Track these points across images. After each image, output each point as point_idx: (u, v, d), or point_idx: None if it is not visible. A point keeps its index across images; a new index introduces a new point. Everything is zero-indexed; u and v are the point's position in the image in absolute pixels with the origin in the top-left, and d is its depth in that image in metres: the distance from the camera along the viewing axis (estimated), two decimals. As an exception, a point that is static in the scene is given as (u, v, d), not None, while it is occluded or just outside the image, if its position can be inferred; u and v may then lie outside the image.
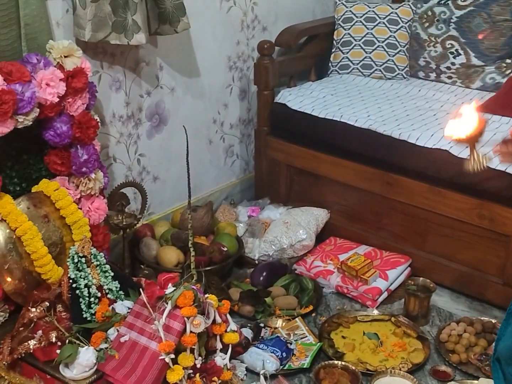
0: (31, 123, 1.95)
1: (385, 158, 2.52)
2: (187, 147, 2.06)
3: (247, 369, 2.02)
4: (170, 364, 1.73)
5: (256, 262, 2.61)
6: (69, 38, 2.18)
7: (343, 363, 2.03)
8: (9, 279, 1.94)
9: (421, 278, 2.37)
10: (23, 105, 1.90)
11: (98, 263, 1.98)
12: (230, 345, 1.90)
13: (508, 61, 2.83)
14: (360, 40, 3.04)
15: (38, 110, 1.96)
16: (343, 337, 2.22)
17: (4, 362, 1.84)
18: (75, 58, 2.08)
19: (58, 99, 2.00)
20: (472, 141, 1.68)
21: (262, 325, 2.22)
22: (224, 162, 3.06)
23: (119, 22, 2.23)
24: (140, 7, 2.23)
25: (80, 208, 2.14)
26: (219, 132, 2.98)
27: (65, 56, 2.05)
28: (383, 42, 3.02)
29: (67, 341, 1.82)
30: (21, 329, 1.88)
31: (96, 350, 1.80)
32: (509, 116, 2.53)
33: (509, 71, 2.82)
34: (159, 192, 2.74)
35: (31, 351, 1.82)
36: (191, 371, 1.77)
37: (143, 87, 2.58)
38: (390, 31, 3.02)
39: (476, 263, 2.40)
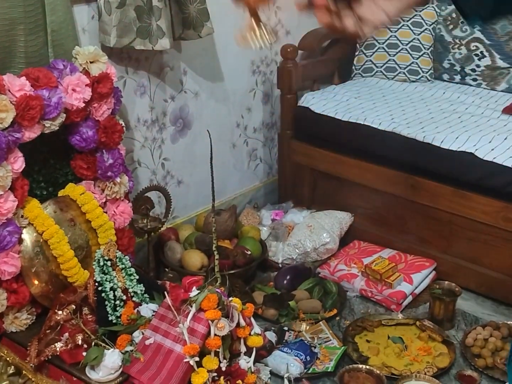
0: (57, 128, 1.98)
1: (409, 161, 2.51)
2: (211, 151, 2.07)
3: (271, 372, 2.01)
4: (195, 367, 1.73)
5: (280, 265, 2.61)
6: (95, 44, 2.21)
7: (367, 367, 2.02)
8: (36, 282, 1.97)
9: (446, 282, 2.35)
10: (50, 110, 1.92)
11: (123, 266, 2.00)
12: (254, 349, 1.90)
13: (534, 63, 2.81)
14: (383, 43, 3.03)
15: (64, 115, 1.98)
16: (367, 341, 2.21)
17: (31, 364, 1.86)
18: (101, 63, 2.10)
19: (84, 104, 2.02)
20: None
21: (286, 328, 2.21)
22: (248, 165, 3.07)
23: (144, 28, 2.25)
24: (165, 13, 2.26)
25: (106, 212, 2.16)
26: (243, 136, 2.99)
27: (90, 62, 2.07)
28: (407, 44, 3.01)
29: (93, 343, 1.83)
30: (47, 331, 1.89)
31: (122, 353, 1.81)
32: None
33: (536, 72, 2.80)
34: (183, 196, 2.76)
35: (58, 353, 1.84)
36: (215, 374, 1.77)
37: (167, 92, 2.60)
38: (414, 33, 3.01)
39: (502, 266, 2.37)
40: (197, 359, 1.74)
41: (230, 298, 1.87)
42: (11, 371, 1.96)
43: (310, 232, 2.64)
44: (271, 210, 2.91)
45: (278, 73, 2.90)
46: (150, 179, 2.62)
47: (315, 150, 2.83)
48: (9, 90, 1.85)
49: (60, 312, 1.91)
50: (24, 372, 1.92)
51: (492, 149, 2.31)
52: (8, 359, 1.97)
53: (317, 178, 2.91)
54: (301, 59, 3.04)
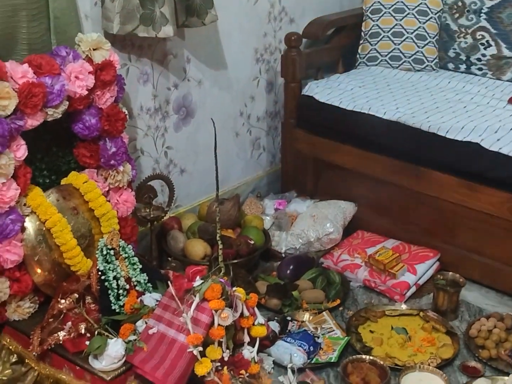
0: (60, 116, 1.97)
1: (414, 151, 2.50)
2: (215, 140, 2.05)
3: (274, 362, 2.02)
4: (198, 356, 1.73)
5: (283, 255, 2.60)
6: (98, 31, 2.19)
7: (371, 357, 2.01)
8: (39, 270, 1.96)
9: (450, 273, 2.34)
10: (53, 98, 1.91)
11: (126, 255, 1.99)
12: (258, 339, 1.89)
13: (541, 52, 2.79)
14: (388, 31, 3.01)
15: (67, 103, 1.97)
16: (370, 331, 2.20)
17: (34, 353, 1.86)
18: (104, 51, 2.08)
19: (87, 92, 2.01)
20: None
21: (289, 318, 2.21)
22: (251, 154, 3.06)
23: (147, 15, 2.23)
24: (168, 0, 2.23)
25: (109, 201, 2.15)
26: (246, 124, 2.98)
27: (93, 49, 2.06)
28: (412, 33, 2.98)
29: (96, 332, 1.83)
30: (50, 320, 1.89)
31: (125, 342, 1.81)
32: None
33: (542, 62, 2.78)
34: (186, 184, 2.75)
35: (61, 342, 1.84)
36: (218, 364, 1.77)
37: (171, 80, 2.58)
38: (419, 22, 2.98)
39: (506, 257, 2.36)
40: (200, 349, 1.73)
41: (234, 288, 1.87)
42: (13, 360, 1.97)
43: (313, 222, 2.63)
44: (274, 200, 2.90)
45: (282, 61, 2.87)
46: (153, 167, 2.61)
47: (319, 139, 2.81)
48: (11, 77, 1.84)
49: (63, 301, 1.91)
50: (27, 360, 1.93)
51: (498, 140, 2.29)
52: (10, 347, 1.98)
53: (321, 168, 2.89)
54: (305, 47, 3.02)
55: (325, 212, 2.69)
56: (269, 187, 3.12)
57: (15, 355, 1.96)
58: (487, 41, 2.86)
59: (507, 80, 2.83)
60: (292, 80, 2.87)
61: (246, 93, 2.93)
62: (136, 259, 2.00)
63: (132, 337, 1.83)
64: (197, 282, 1.80)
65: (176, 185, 2.58)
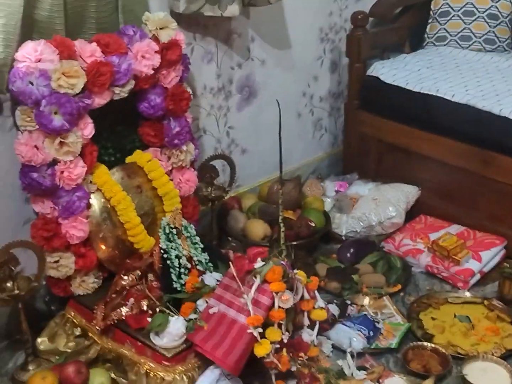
0: (126, 95, 1.99)
1: (483, 135, 2.43)
2: (280, 121, 2.04)
3: (333, 346, 2.02)
4: (258, 338, 1.74)
5: (343, 238, 2.59)
6: (164, 10, 2.20)
7: (433, 345, 1.99)
8: (103, 247, 2.01)
9: (516, 261, 2.29)
10: (120, 77, 1.93)
11: (188, 234, 2.02)
12: (317, 322, 1.89)
13: None
14: (459, 10, 2.92)
15: (133, 82, 1.99)
16: (432, 318, 2.17)
17: (97, 327, 1.91)
18: (170, 30, 2.09)
19: (153, 71, 2.02)
20: None
21: (348, 302, 2.20)
22: (313, 135, 3.04)
23: (212, -6, 2.23)
24: (234, -22, 2.23)
25: (172, 180, 2.17)
26: (308, 105, 2.96)
27: (160, 28, 2.07)
28: (483, 12, 2.89)
29: (158, 310, 1.87)
30: (113, 296, 1.93)
31: (186, 320, 1.84)
32: None
33: None
34: (247, 165, 2.75)
35: (123, 318, 1.88)
36: (278, 346, 1.77)
37: (234, 59, 2.58)
38: (492, 0, 2.88)
39: None
40: (260, 330, 1.74)
41: (295, 271, 1.87)
42: (77, 333, 2.02)
43: (375, 205, 2.60)
44: (335, 182, 2.89)
45: (347, 41, 2.84)
46: (215, 147, 2.62)
47: (383, 121, 2.77)
48: (80, 56, 1.87)
49: (126, 277, 1.95)
50: (90, 334, 1.98)
51: None
52: (75, 321, 2.03)
53: (384, 150, 2.85)
54: (372, 27, 2.96)
55: (387, 195, 2.66)
56: (330, 169, 3.10)
57: (79, 329, 2.02)
58: None
59: None
60: (357, 60, 2.83)
61: (310, 73, 2.91)
62: (198, 238, 2.03)
63: (192, 316, 1.86)
64: (259, 263, 1.80)
65: (237, 165, 2.59)
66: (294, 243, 2.35)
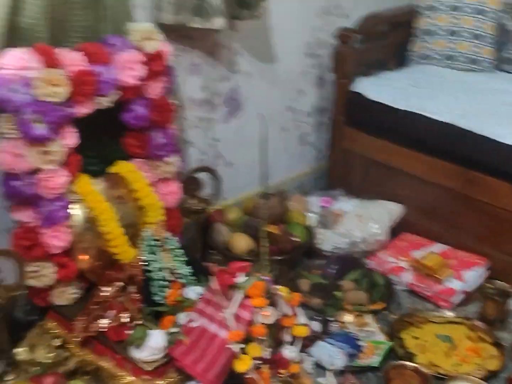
0: (111, 105, 1.98)
1: (467, 154, 2.45)
2: (264, 135, 2.04)
3: (314, 363, 2.00)
4: (239, 353, 1.73)
5: (327, 254, 2.58)
6: (149, 21, 2.20)
7: (414, 365, 1.98)
8: (84, 257, 1.98)
9: (499, 282, 2.29)
10: (104, 86, 1.93)
11: (171, 247, 2.00)
12: (299, 338, 1.88)
13: None
14: (444, 29, 2.95)
15: (118, 92, 1.98)
16: (414, 337, 2.16)
17: (77, 339, 1.89)
18: (156, 41, 2.08)
19: (137, 82, 2.02)
20: None
21: (331, 319, 2.19)
22: (297, 150, 3.04)
23: (199, 6, 2.23)
24: (221, -8, 2.23)
25: (156, 191, 2.16)
26: (294, 119, 2.97)
27: (145, 39, 2.06)
28: (468, 32, 2.92)
29: (138, 323, 1.85)
30: (94, 307, 1.91)
31: (166, 334, 1.82)
32: None
33: None
34: (232, 177, 2.73)
35: (104, 330, 1.86)
36: (259, 361, 1.76)
37: (220, 72, 2.58)
38: (477, 20, 2.91)
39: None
40: (242, 345, 1.73)
41: (277, 287, 1.86)
42: (57, 344, 1.99)
43: (359, 222, 2.60)
44: (320, 197, 2.88)
45: (333, 56, 2.85)
46: (200, 159, 2.61)
47: (368, 138, 2.79)
48: (64, 65, 1.86)
49: (107, 288, 1.93)
50: (69, 345, 1.95)
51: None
52: (55, 331, 2.00)
53: (368, 167, 2.86)
54: (357, 43, 2.97)
55: (371, 212, 2.66)
56: (315, 184, 3.11)
57: (59, 340, 1.99)
58: (547, 42, 2.79)
59: None
60: (342, 76, 2.84)
61: (295, 87, 2.92)
62: (181, 251, 2.01)
63: (173, 330, 1.84)
64: (241, 278, 1.79)
65: (222, 177, 2.58)
66: (278, 257, 2.35)
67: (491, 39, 2.91)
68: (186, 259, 2.01)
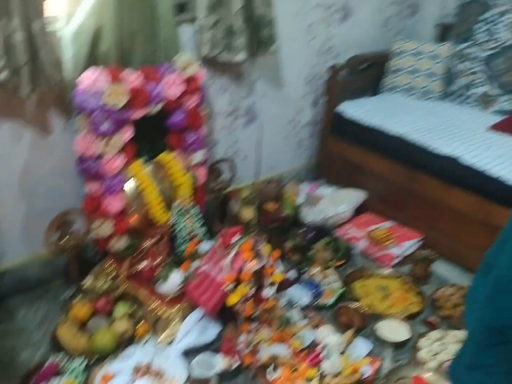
0: (157, 112, 1.96)
1: (412, 159, 2.36)
2: (260, 137, 2.00)
3: (288, 300, 1.98)
4: (231, 291, 1.71)
5: (308, 225, 2.53)
6: (193, 53, 2.17)
7: (357, 305, 1.94)
8: (133, 217, 1.98)
9: (427, 250, 2.22)
10: (153, 98, 1.91)
11: (193, 214, 1.98)
12: (277, 282, 1.85)
13: (520, 93, 2.56)
14: (408, 68, 2.83)
15: (163, 103, 1.96)
16: (361, 286, 2.12)
17: (125, 274, 1.90)
18: (193, 67, 2.05)
19: (178, 96, 1.99)
20: None
21: (305, 270, 2.16)
22: (296, 151, 2.97)
23: (228, 44, 2.18)
24: (244, 34, 2.17)
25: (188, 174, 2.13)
26: (294, 129, 2.89)
27: (186, 66, 2.03)
28: (425, 71, 2.80)
29: (164, 266, 1.85)
30: (137, 253, 1.92)
31: (184, 274, 1.81)
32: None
33: (521, 101, 2.55)
34: (248, 167, 2.68)
35: (142, 269, 1.86)
36: (245, 298, 1.74)
37: (243, 92, 2.53)
38: (431, 63, 2.79)
39: (471, 243, 2.21)
40: (233, 285, 1.71)
41: (262, 244, 1.82)
42: (111, 276, 2.01)
43: (332, 204, 2.54)
44: (309, 184, 2.83)
45: (325, 85, 2.76)
46: (224, 153, 2.58)
47: (345, 144, 2.71)
48: (126, 82, 1.84)
49: (147, 241, 1.93)
50: (119, 278, 1.96)
51: (474, 156, 2.13)
52: (110, 268, 2.02)
53: (345, 164, 2.78)
54: (345, 76, 2.88)
55: (342, 196, 2.60)
56: (307, 175, 3.03)
57: (113, 274, 2.00)
58: (481, 81, 2.65)
59: (492, 112, 2.62)
60: (330, 100, 2.76)
61: (297, 107, 2.84)
62: (199, 216, 1.99)
63: (188, 272, 1.83)
64: (236, 238, 1.77)
65: (240, 166, 2.55)
66: (271, 226, 2.32)
67: (441, 76, 2.78)
68: (203, 222, 1.98)
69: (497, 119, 2.50)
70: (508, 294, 0.88)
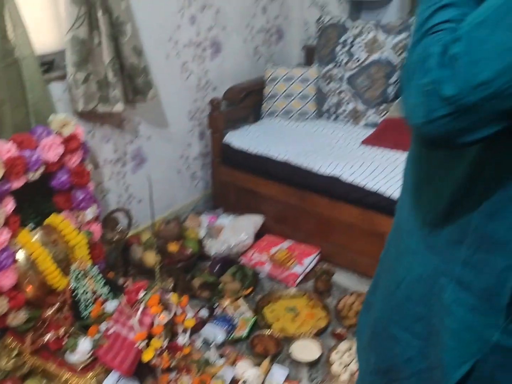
0: (38, 177, 1.88)
1: (300, 181, 2.50)
2: (151, 191, 2.00)
3: (203, 340, 2.00)
4: (144, 348, 1.69)
5: (213, 257, 2.57)
6: (68, 110, 2.12)
7: (270, 331, 2.02)
8: (29, 289, 1.88)
9: (325, 264, 2.36)
10: (31, 166, 1.84)
11: (92, 274, 1.93)
12: (190, 328, 1.87)
13: (382, 106, 2.83)
14: (282, 93, 3.00)
15: (43, 167, 1.90)
16: (271, 311, 2.20)
17: (29, 349, 1.80)
18: (71, 126, 2.01)
19: (58, 158, 1.93)
20: None
21: (215, 306, 2.19)
22: (191, 184, 3.01)
23: (103, 97, 2.17)
24: (118, 85, 2.17)
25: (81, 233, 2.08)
26: (186, 163, 2.93)
27: (63, 126, 1.98)
28: (298, 94, 2.99)
29: (71, 334, 1.78)
30: (39, 325, 1.82)
31: (92, 340, 1.76)
32: (385, 147, 2.53)
33: (384, 112, 2.82)
34: (143, 210, 2.67)
35: (46, 342, 1.78)
36: (160, 350, 1.73)
37: (127, 138, 2.51)
38: (303, 86, 2.99)
39: (362, 250, 2.39)
40: (146, 342, 1.69)
41: (170, 295, 1.83)
42: (14, 354, 1.89)
43: (233, 232, 2.61)
44: (208, 215, 2.87)
45: (208, 118, 2.84)
46: (117, 201, 2.54)
47: (237, 172, 2.79)
48: (-1, 153, 1.76)
49: (48, 310, 1.84)
50: (23, 355, 1.85)
51: (352, 174, 2.32)
52: (12, 345, 1.89)
53: (239, 191, 2.87)
54: (225, 107, 2.98)
55: (242, 224, 2.67)
56: (205, 206, 3.08)
57: (16, 351, 1.88)
58: (348, 99, 2.89)
59: (363, 125, 2.86)
60: (216, 131, 2.83)
61: (185, 142, 2.88)
62: (100, 276, 1.94)
63: (97, 336, 1.78)
64: (142, 294, 1.76)
65: (135, 210, 2.53)
66: (178, 265, 2.33)
67: (313, 97, 2.99)
68: (104, 281, 1.94)
69: (368, 132, 2.74)
70: (385, 337, 0.91)
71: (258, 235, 2.71)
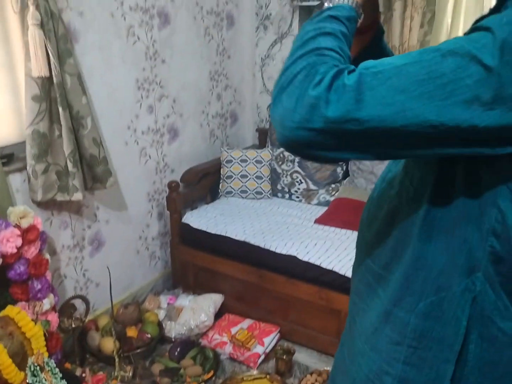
0: (-5, 270, 1.87)
1: (258, 260, 2.57)
2: (110, 282, 2.01)
3: (164, 432, 1.95)
4: None
5: (173, 340, 2.55)
6: (27, 200, 2.14)
7: (232, 418, 2.00)
8: (-20, 388, 1.81)
9: (286, 343, 2.39)
10: (-11, 258, 1.83)
11: (49, 368, 1.88)
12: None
13: (333, 186, 3.01)
14: (238, 174, 3.14)
15: (0, 259, 1.89)
16: (233, 395, 2.19)
17: None
18: (29, 217, 2.03)
19: (16, 250, 1.93)
20: None
21: (176, 392, 2.16)
22: (149, 264, 3.02)
23: (63, 186, 2.21)
24: (77, 174, 2.23)
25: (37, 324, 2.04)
26: (144, 244, 2.96)
27: (21, 218, 2.00)
28: (253, 175, 3.13)
29: None
30: (-10, 427, 1.74)
31: None
32: (336, 226, 2.66)
33: (334, 192, 2.99)
34: (101, 294, 2.65)
35: None
36: None
37: (85, 223, 2.53)
38: (257, 167, 3.14)
39: (321, 327, 2.45)
40: None
41: (129, 386, 1.81)
42: None
43: (193, 314, 2.61)
44: (167, 295, 2.87)
45: (167, 200, 2.91)
46: (74, 286, 2.51)
47: (195, 252, 2.84)
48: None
49: (0, 410, 1.76)
50: None
51: (307, 253, 2.42)
52: None
53: (198, 271, 2.90)
54: (183, 188, 3.07)
55: (201, 304, 2.68)
56: (164, 285, 3.08)
57: None
58: (299, 179, 3.06)
59: (314, 204, 3.01)
60: (174, 212, 2.90)
61: (143, 223, 2.93)
62: (57, 370, 1.89)
63: None
64: (101, 387, 1.73)
65: (93, 295, 2.51)
66: (137, 351, 2.29)
67: (267, 178, 3.14)
68: (61, 375, 1.89)
69: (320, 210, 2.89)
70: None
71: (218, 314, 2.72)
